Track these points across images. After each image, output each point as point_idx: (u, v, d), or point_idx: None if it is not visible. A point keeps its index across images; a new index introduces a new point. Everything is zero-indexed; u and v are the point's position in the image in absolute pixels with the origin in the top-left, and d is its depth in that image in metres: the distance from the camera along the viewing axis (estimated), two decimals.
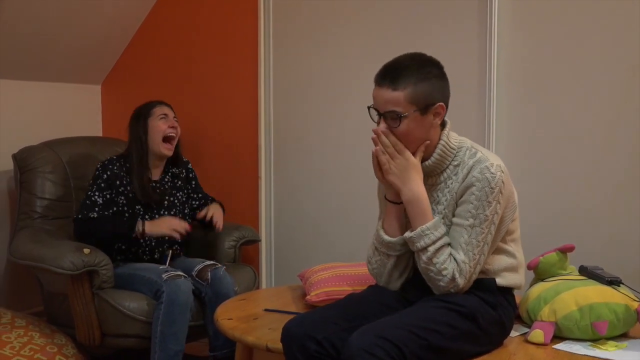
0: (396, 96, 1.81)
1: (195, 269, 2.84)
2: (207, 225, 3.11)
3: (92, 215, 2.86)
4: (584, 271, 2.18)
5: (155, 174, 3.04)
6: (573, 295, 2.02)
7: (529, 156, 2.77)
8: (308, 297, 2.40)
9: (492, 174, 1.83)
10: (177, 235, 2.90)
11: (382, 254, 1.98)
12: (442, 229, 1.86)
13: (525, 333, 2.03)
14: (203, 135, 3.60)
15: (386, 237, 1.95)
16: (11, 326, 2.79)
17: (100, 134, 3.88)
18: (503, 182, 1.84)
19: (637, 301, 2.03)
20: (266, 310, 2.38)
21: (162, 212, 2.99)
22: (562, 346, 1.95)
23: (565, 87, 2.69)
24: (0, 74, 3.32)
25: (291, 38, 3.31)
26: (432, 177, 1.94)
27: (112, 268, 2.78)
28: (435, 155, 1.91)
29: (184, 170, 3.14)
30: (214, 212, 3.08)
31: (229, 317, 2.29)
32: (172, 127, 3.02)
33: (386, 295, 1.99)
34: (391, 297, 1.98)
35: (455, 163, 1.91)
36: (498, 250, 1.93)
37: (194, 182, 3.18)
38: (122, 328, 2.72)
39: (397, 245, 1.94)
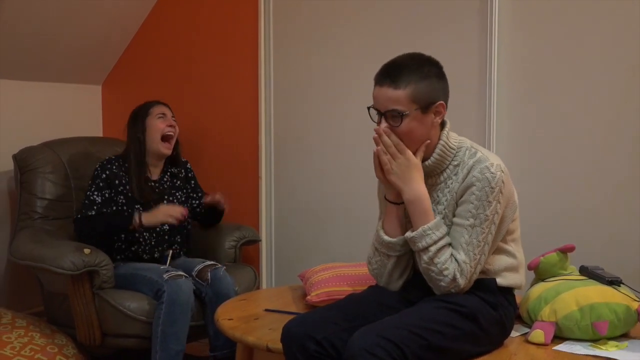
0: (398, 95, 1.82)
1: (195, 269, 2.84)
2: (210, 215, 3.14)
3: (90, 214, 2.87)
4: (585, 271, 2.18)
5: (155, 174, 3.04)
6: (573, 296, 2.02)
7: (529, 156, 2.77)
8: (308, 297, 2.40)
9: (492, 173, 1.83)
10: (173, 221, 2.88)
11: (382, 255, 1.98)
12: (444, 229, 1.86)
13: (526, 333, 2.03)
14: (203, 135, 3.60)
15: (386, 238, 1.95)
16: (12, 326, 2.79)
17: (100, 134, 3.89)
18: (503, 182, 1.84)
19: (638, 301, 2.03)
20: (267, 310, 2.38)
21: None
22: (562, 346, 1.95)
23: (565, 87, 2.69)
24: (0, 74, 3.32)
25: (291, 38, 3.31)
26: (432, 177, 1.94)
27: (113, 268, 2.78)
28: (435, 155, 1.91)
29: (183, 170, 3.15)
30: (218, 193, 3.09)
31: (230, 317, 2.29)
32: (171, 126, 3.03)
33: (386, 295, 1.99)
34: (391, 297, 1.98)
35: (455, 163, 1.91)
36: (498, 250, 1.93)
37: (193, 182, 3.19)
38: (123, 328, 2.72)
39: (397, 246, 1.94)
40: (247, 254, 3.43)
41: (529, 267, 2.19)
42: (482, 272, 1.90)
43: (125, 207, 2.92)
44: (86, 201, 2.90)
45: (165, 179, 3.07)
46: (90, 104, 3.86)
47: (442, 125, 1.93)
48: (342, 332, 1.81)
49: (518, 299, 2.05)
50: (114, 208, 2.92)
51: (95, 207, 2.88)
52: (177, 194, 3.09)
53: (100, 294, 2.73)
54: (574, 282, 2.08)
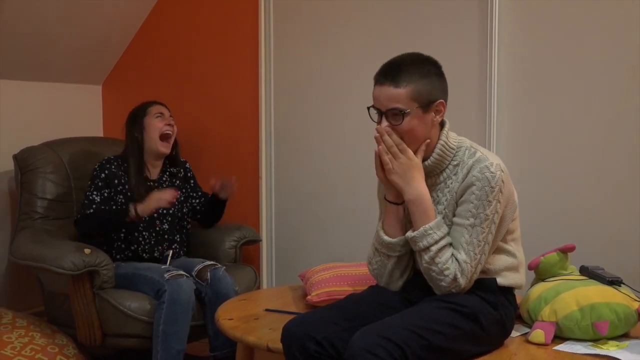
0: (399, 93, 1.82)
1: (195, 269, 2.85)
2: (210, 212, 3.16)
3: (89, 212, 2.89)
4: (585, 271, 2.18)
5: (154, 173, 3.05)
6: (574, 295, 2.02)
7: (529, 156, 2.77)
8: (309, 297, 2.40)
9: (492, 173, 1.83)
10: (166, 204, 2.87)
11: (382, 255, 1.98)
12: (445, 229, 1.87)
13: (526, 333, 2.03)
14: (204, 135, 3.60)
15: (386, 238, 1.95)
16: (12, 326, 2.79)
17: (101, 134, 3.89)
18: (503, 182, 1.84)
19: (638, 301, 2.03)
20: (267, 310, 2.38)
21: (160, 211, 2.99)
22: (563, 346, 1.95)
23: (565, 87, 2.69)
24: (0, 74, 3.32)
25: (292, 38, 3.31)
26: (431, 177, 1.94)
27: (113, 268, 2.79)
28: (434, 155, 1.91)
29: (182, 170, 3.16)
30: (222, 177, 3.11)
31: (230, 317, 2.29)
32: (169, 124, 3.04)
33: (387, 295, 1.99)
34: (392, 297, 1.98)
35: (455, 163, 1.92)
36: (498, 250, 1.93)
37: (192, 181, 3.20)
38: (123, 328, 2.72)
39: (397, 246, 1.94)
40: (248, 253, 3.43)
41: (529, 267, 2.19)
42: (483, 271, 1.90)
43: (124, 207, 2.92)
44: (85, 201, 2.92)
45: (164, 179, 3.08)
46: (91, 104, 3.87)
47: (442, 125, 1.93)
48: (342, 332, 1.82)
49: (518, 299, 2.05)
50: (114, 207, 2.92)
51: (94, 206, 2.90)
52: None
53: (100, 294, 2.74)
54: (574, 282, 2.08)
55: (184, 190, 3.14)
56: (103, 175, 2.94)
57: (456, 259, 1.84)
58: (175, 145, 3.10)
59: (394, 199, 1.94)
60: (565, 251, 2.21)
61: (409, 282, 2.00)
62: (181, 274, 2.71)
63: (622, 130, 2.59)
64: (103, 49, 3.71)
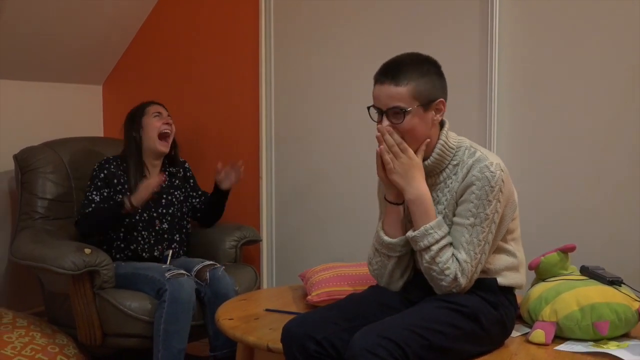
0: (400, 91, 1.83)
1: (194, 269, 2.85)
2: (211, 210, 3.16)
3: (88, 211, 2.89)
4: (585, 271, 2.18)
5: (153, 173, 3.05)
6: (574, 295, 2.02)
7: (529, 156, 2.77)
8: (309, 297, 2.40)
9: (492, 172, 1.83)
10: (155, 188, 2.86)
11: (382, 255, 1.98)
12: (445, 229, 1.87)
13: (527, 333, 2.03)
14: (204, 135, 3.60)
15: (386, 239, 1.95)
16: (12, 326, 2.79)
17: (101, 134, 3.89)
18: (503, 181, 1.84)
19: (639, 301, 2.03)
20: (267, 310, 2.38)
21: (160, 211, 3.00)
22: (563, 346, 1.95)
23: (565, 87, 2.69)
24: (0, 74, 3.32)
25: (292, 38, 3.31)
26: (431, 177, 1.94)
27: (114, 268, 2.79)
28: (434, 154, 1.91)
29: (181, 170, 3.17)
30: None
31: (230, 317, 2.29)
32: (167, 123, 3.05)
33: (387, 295, 1.99)
34: (392, 297, 1.98)
35: (455, 162, 1.92)
36: (499, 250, 1.93)
37: (192, 181, 3.20)
38: (124, 328, 2.72)
39: (397, 246, 1.94)
40: (248, 253, 3.43)
41: (530, 267, 2.19)
42: (483, 271, 1.90)
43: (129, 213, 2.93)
44: (85, 201, 2.93)
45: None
46: (91, 104, 3.87)
47: (441, 125, 1.93)
48: (342, 332, 1.82)
49: (519, 299, 2.05)
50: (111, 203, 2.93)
51: (93, 205, 2.90)
52: (176, 193, 3.10)
53: (101, 293, 2.74)
54: (574, 282, 2.08)
55: (183, 190, 3.14)
56: (102, 175, 2.94)
57: (457, 259, 1.84)
58: (174, 145, 3.11)
59: (394, 199, 1.94)
60: (565, 251, 2.20)
61: (409, 282, 2.00)
62: (182, 273, 2.71)
63: (622, 130, 2.59)
64: (103, 49, 3.71)
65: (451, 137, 1.93)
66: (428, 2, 2.94)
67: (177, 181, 3.13)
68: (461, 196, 1.87)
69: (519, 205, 1.95)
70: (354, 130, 3.12)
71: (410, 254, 1.96)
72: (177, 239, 3.07)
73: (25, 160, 3.15)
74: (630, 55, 2.55)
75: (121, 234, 2.95)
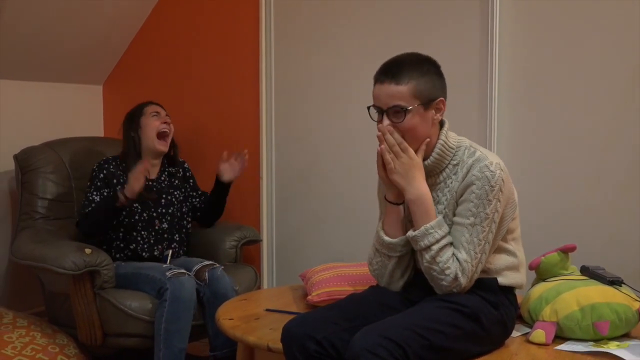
0: (400, 90, 1.83)
1: (193, 269, 2.85)
2: (211, 209, 3.16)
3: (88, 210, 2.90)
4: (586, 271, 2.18)
5: (152, 173, 3.05)
6: (574, 295, 2.02)
7: (529, 156, 2.77)
8: (309, 297, 2.40)
9: (492, 172, 1.83)
10: (142, 175, 2.83)
11: (383, 255, 1.98)
12: (446, 228, 1.87)
13: (527, 333, 2.03)
14: (204, 135, 3.60)
15: (387, 239, 1.95)
16: (13, 326, 2.79)
17: (101, 134, 3.89)
18: (503, 181, 1.84)
19: (639, 301, 2.03)
20: (267, 310, 2.38)
21: (159, 210, 3.00)
22: (563, 346, 1.95)
23: (566, 87, 2.69)
24: (1, 74, 3.32)
25: (292, 38, 3.31)
26: (431, 176, 1.94)
27: (114, 268, 2.79)
28: (434, 154, 1.91)
29: (180, 170, 3.17)
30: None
31: (230, 317, 2.29)
32: (165, 122, 3.05)
33: (387, 295, 1.99)
34: (392, 297, 1.98)
35: (455, 162, 1.92)
36: (499, 249, 1.94)
37: (191, 181, 3.21)
38: (124, 328, 2.72)
39: (397, 246, 1.94)
40: (248, 253, 3.43)
41: (530, 267, 2.19)
42: (483, 271, 1.90)
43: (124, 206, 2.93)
44: (85, 201, 2.93)
45: (162, 178, 3.08)
46: (91, 104, 3.87)
47: (441, 124, 1.94)
48: (342, 332, 1.82)
49: (519, 299, 2.05)
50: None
51: (93, 204, 2.90)
52: (176, 193, 3.10)
53: (101, 293, 2.74)
54: (575, 282, 2.08)
55: (183, 190, 3.14)
56: (102, 175, 2.95)
57: (457, 258, 1.84)
58: (173, 145, 3.11)
59: (394, 199, 1.94)
60: (566, 251, 2.20)
61: (410, 282, 2.00)
62: (183, 272, 2.71)
63: (622, 130, 2.59)
64: (103, 49, 3.71)
65: (451, 136, 1.93)
66: (428, 2, 2.94)
67: (176, 181, 3.13)
68: (461, 196, 1.87)
69: (519, 205, 1.95)
70: (354, 130, 3.12)
71: (410, 254, 1.96)
72: (177, 238, 3.07)
73: (25, 160, 3.16)
74: (630, 55, 2.55)
75: (121, 234, 2.95)
